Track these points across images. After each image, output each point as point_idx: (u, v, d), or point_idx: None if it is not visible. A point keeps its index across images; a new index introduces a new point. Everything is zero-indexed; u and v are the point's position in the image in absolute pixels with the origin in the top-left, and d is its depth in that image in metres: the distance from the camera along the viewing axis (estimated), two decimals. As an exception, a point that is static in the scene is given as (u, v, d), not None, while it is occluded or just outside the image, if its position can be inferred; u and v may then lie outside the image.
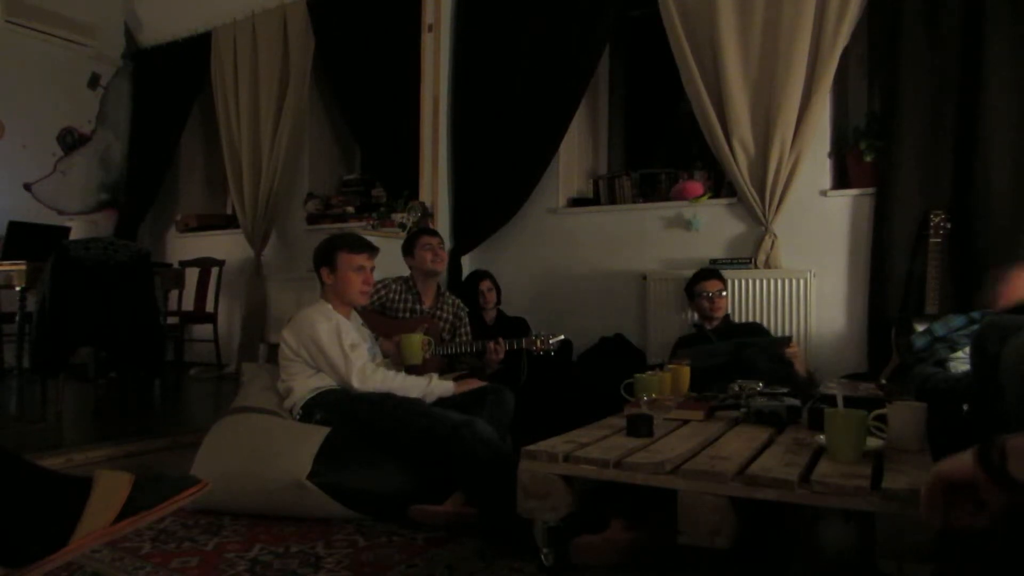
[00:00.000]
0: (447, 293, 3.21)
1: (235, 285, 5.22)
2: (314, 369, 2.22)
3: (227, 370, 4.87)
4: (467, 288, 3.68)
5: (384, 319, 2.86)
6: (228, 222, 5.56)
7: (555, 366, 3.35)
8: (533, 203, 4.24)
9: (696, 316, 3.31)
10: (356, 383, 2.16)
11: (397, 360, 2.47)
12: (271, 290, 5.00)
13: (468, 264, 4.27)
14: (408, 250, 3.04)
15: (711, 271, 3.31)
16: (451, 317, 3.07)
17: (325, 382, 2.21)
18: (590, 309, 4.12)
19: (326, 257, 2.31)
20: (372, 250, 2.36)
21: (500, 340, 2.77)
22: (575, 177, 4.41)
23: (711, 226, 3.82)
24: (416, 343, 2.49)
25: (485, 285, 3.65)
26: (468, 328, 3.13)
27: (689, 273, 3.76)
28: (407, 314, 2.95)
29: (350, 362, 2.18)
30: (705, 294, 3.21)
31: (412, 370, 2.42)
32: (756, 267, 3.56)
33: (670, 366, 2.48)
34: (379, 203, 4.66)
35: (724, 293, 3.23)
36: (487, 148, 4.20)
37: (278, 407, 2.26)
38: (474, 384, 2.32)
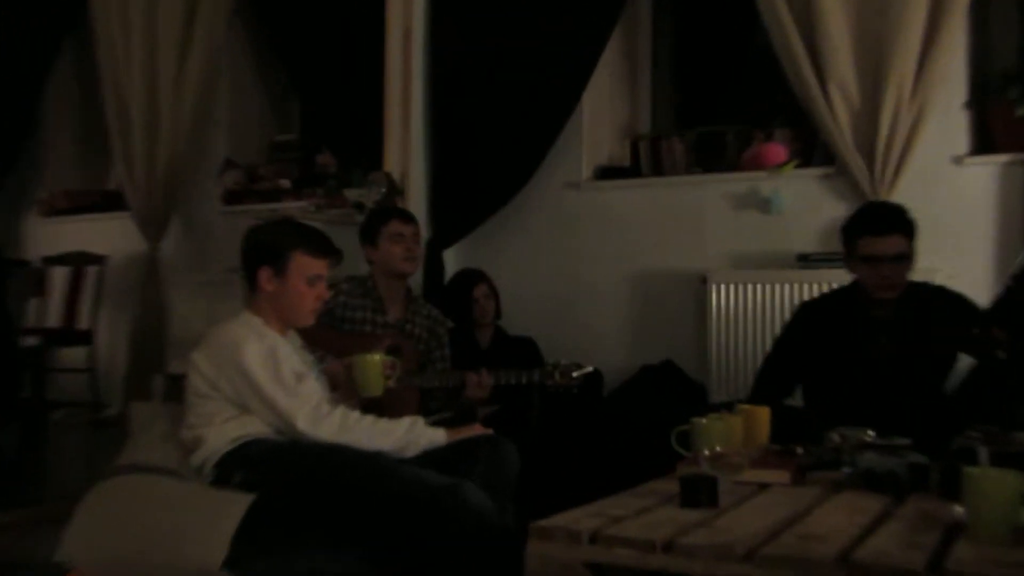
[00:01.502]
0: (420, 300, 3.22)
1: (121, 291, 5.22)
2: (237, 410, 2.23)
3: (108, 412, 4.88)
4: (452, 295, 3.70)
5: (334, 335, 2.87)
6: (112, 202, 5.55)
7: (578, 406, 3.35)
8: (546, 175, 4.23)
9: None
10: (305, 427, 2.18)
11: (349, 391, 2.49)
12: (173, 298, 5.05)
13: (453, 261, 4.27)
14: (370, 238, 3.07)
15: (892, 214, 2.64)
16: (424, 334, 3.09)
17: (250, 428, 2.22)
18: (627, 325, 4.11)
19: (271, 255, 2.33)
20: (336, 256, 2.40)
21: (485, 371, 2.80)
22: (605, 139, 4.40)
23: (798, 207, 3.81)
24: (374, 367, 2.48)
25: (480, 291, 3.65)
26: (447, 351, 3.15)
27: (767, 274, 3.78)
28: (366, 327, 2.97)
29: (296, 398, 2.20)
30: (870, 258, 2.61)
31: (372, 407, 2.45)
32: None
33: (743, 407, 2.47)
34: (327, 174, 4.67)
35: (908, 260, 2.62)
36: (479, 98, 4.20)
37: (181, 465, 2.28)
38: (475, 431, 2.35)
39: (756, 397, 2.85)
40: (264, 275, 2.32)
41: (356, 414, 2.25)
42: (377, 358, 2.49)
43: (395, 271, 3.03)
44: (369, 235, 3.07)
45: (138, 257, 5.18)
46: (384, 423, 2.26)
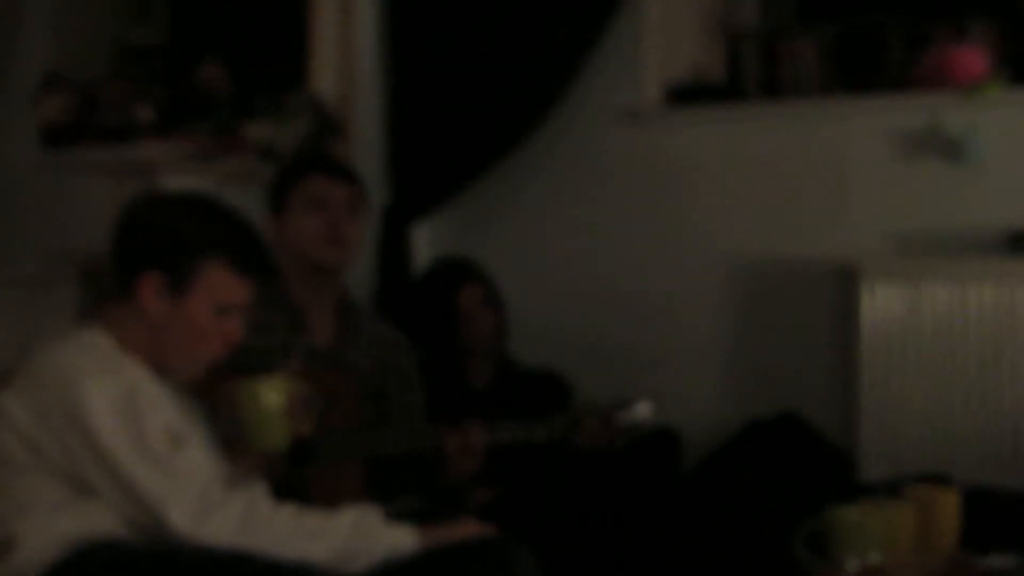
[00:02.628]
0: (362, 311, 3.29)
1: None
2: (72, 490, 2.24)
3: None
4: (426, 304, 3.76)
5: (231, 376, 2.81)
6: None
7: (636, 486, 3.39)
8: (582, 100, 4.28)
9: None
10: (183, 523, 2.17)
11: (244, 452, 2.47)
12: None
13: (427, 246, 4.32)
14: (275, 202, 3.15)
15: None
16: (373, 366, 3.16)
17: (94, 522, 2.22)
18: (721, 354, 4.18)
19: (170, 255, 2.37)
20: (267, 274, 2.48)
21: (477, 423, 2.84)
22: (685, 38, 4.47)
23: (1010, 152, 3.83)
24: (270, 399, 2.44)
25: (472, 297, 3.71)
26: (418, 394, 3.24)
27: (958, 265, 3.81)
28: (275, 356, 2.95)
29: (171, 476, 2.21)
30: None
31: (293, 490, 2.45)
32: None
33: (917, 489, 2.49)
34: (213, 99, 4.68)
35: None
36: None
37: None
38: (466, 530, 2.37)
39: None
40: (150, 285, 2.33)
41: (267, 503, 2.27)
42: (276, 384, 2.46)
43: (310, 259, 3.08)
44: (275, 198, 3.14)
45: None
46: (314, 519, 2.27)
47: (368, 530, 2.28)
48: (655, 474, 3.56)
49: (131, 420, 2.21)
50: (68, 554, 2.17)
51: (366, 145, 4.25)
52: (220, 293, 2.35)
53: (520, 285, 3.95)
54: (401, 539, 2.29)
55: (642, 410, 2.85)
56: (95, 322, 2.40)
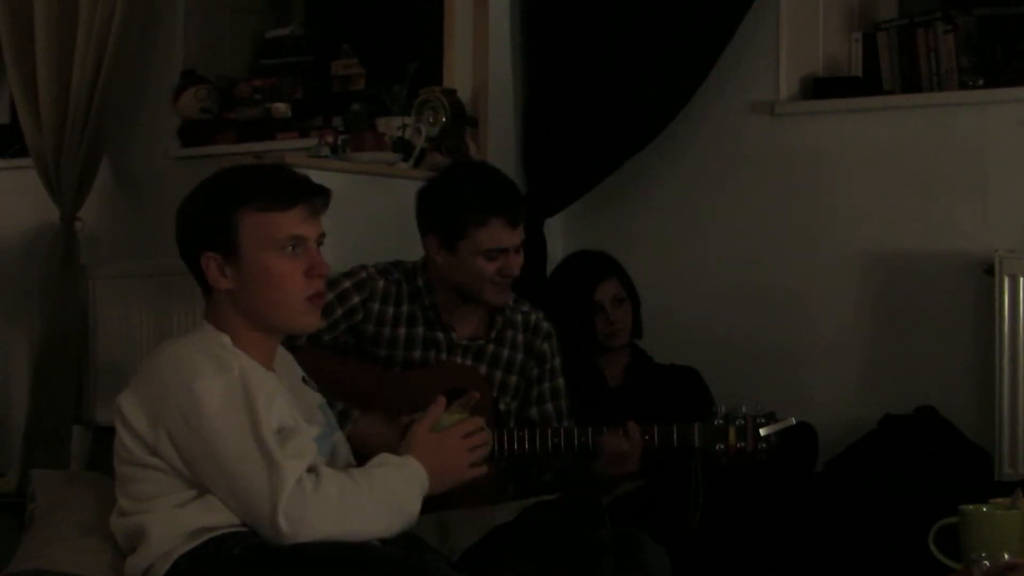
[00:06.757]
0: (513, 304, 3.29)
1: (17, 289, 5.30)
2: (190, 488, 2.26)
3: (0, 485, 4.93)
4: (562, 298, 3.73)
5: (361, 372, 2.92)
6: (2, 142, 5.59)
7: (772, 483, 3.40)
8: (718, 93, 4.29)
9: None
10: (286, 523, 2.16)
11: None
12: (101, 300, 5.09)
13: (560, 239, 4.32)
14: (444, 233, 3.04)
15: None
16: (519, 356, 3.18)
17: (222, 516, 2.24)
18: (856, 347, 4.15)
19: (213, 229, 2.38)
20: (313, 197, 2.41)
21: (632, 425, 2.86)
22: (820, 31, 4.45)
23: None
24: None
25: (609, 291, 3.68)
26: (558, 381, 3.23)
27: None
28: (415, 351, 3.02)
29: (278, 472, 2.19)
30: None
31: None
32: None
33: None
34: (350, 93, 4.75)
35: None
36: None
37: (112, 572, 2.30)
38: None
39: None
40: (210, 266, 2.35)
41: (365, 477, 2.27)
42: (449, 421, 2.42)
43: (475, 297, 3.07)
44: (443, 228, 3.04)
45: (44, 232, 5.18)
46: (397, 471, 2.29)
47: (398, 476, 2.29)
48: (791, 468, 3.50)
49: (242, 419, 2.21)
50: (197, 544, 2.19)
51: (501, 139, 4.26)
52: (266, 232, 2.32)
53: (654, 279, 3.97)
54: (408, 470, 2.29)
55: (786, 423, 2.85)
56: (207, 318, 2.42)
